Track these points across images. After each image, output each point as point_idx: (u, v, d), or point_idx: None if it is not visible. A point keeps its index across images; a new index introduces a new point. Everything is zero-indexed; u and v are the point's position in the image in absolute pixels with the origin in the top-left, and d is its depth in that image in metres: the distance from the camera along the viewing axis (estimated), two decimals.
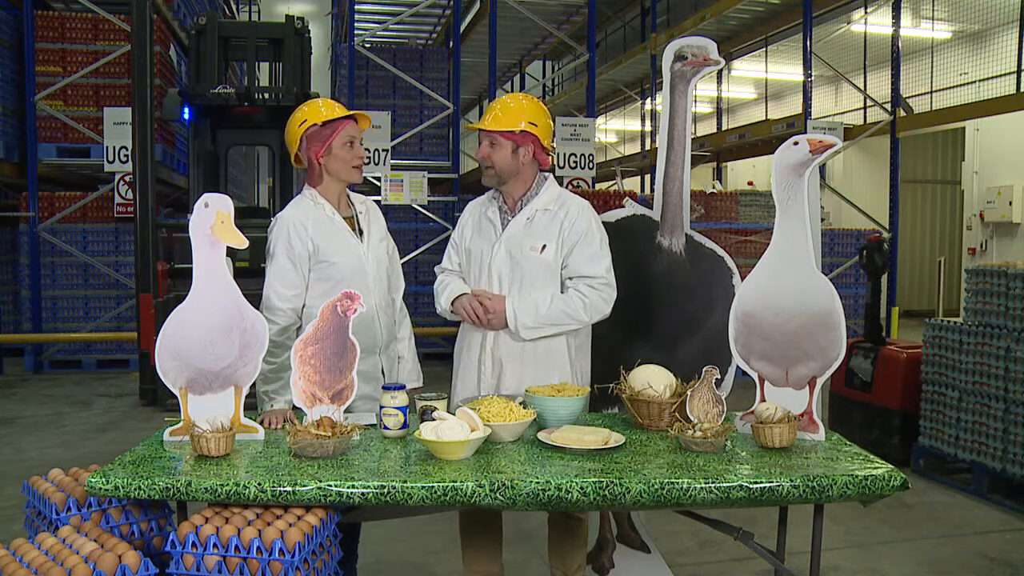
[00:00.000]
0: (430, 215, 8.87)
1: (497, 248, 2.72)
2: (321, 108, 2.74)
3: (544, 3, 10.93)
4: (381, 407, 2.35)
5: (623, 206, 3.22)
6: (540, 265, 2.70)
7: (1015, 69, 9.59)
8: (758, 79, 15.53)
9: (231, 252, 2.30)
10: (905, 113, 9.76)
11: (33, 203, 8.22)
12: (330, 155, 2.71)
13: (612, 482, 1.97)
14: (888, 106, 9.58)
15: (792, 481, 1.99)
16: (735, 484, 1.97)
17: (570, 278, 2.70)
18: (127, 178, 8.03)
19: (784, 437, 2.22)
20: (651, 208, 3.11)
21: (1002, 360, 4.35)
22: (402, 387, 2.36)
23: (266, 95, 6.75)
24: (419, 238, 8.91)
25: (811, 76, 9.39)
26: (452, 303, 2.74)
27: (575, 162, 8.87)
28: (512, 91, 15.67)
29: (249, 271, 6.01)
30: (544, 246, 2.70)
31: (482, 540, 2.81)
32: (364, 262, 2.76)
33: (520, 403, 2.42)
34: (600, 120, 19.02)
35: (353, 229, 2.79)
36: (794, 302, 2.33)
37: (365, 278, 2.74)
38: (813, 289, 2.32)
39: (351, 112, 2.74)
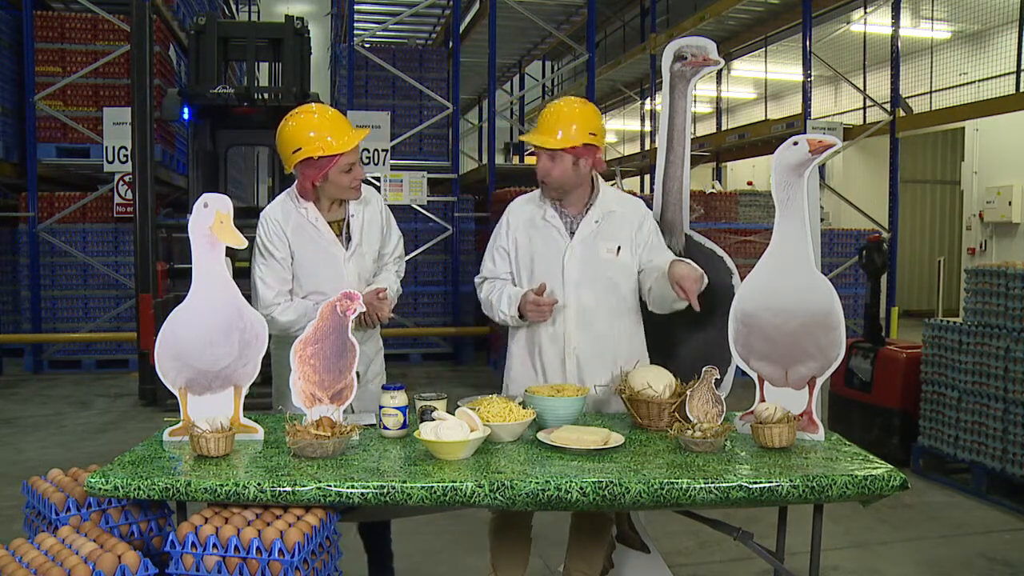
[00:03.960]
0: (430, 215, 8.87)
1: (569, 252, 2.69)
2: (319, 137, 2.54)
3: (544, 3, 10.92)
4: (381, 407, 2.35)
5: None
6: (616, 267, 2.70)
7: (1015, 69, 9.58)
8: (758, 79, 15.53)
9: (231, 252, 2.30)
10: (905, 113, 9.76)
11: (33, 203, 8.21)
12: (327, 181, 2.62)
13: (611, 482, 1.97)
14: (888, 106, 9.58)
15: (792, 481, 1.99)
16: (735, 484, 1.97)
17: (655, 271, 2.69)
18: (127, 178, 8.03)
19: (784, 437, 2.22)
20: (651, 208, 3.11)
21: (1001, 360, 4.35)
22: (402, 387, 2.36)
23: (266, 95, 6.75)
24: (419, 238, 8.90)
25: (811, 76, 9.39)
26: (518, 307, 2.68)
27: None
28: (512, 91, 15.67)
29: (249, 271, 6.02)
30: (619, 247, 2.69)
31: (512, 545, 2.77)
32: (342, 271, 2.72)
33: (520, 403, 2.42)
34: None
35: (339, 234, 2.74)
36: (794, 302, 2.33)
37: (340, 287, 2.63)
38: (813, 289, 2.32)
39: (352, 144, 2.57)
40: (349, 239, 2.74)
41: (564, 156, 2.61)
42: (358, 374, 2.73)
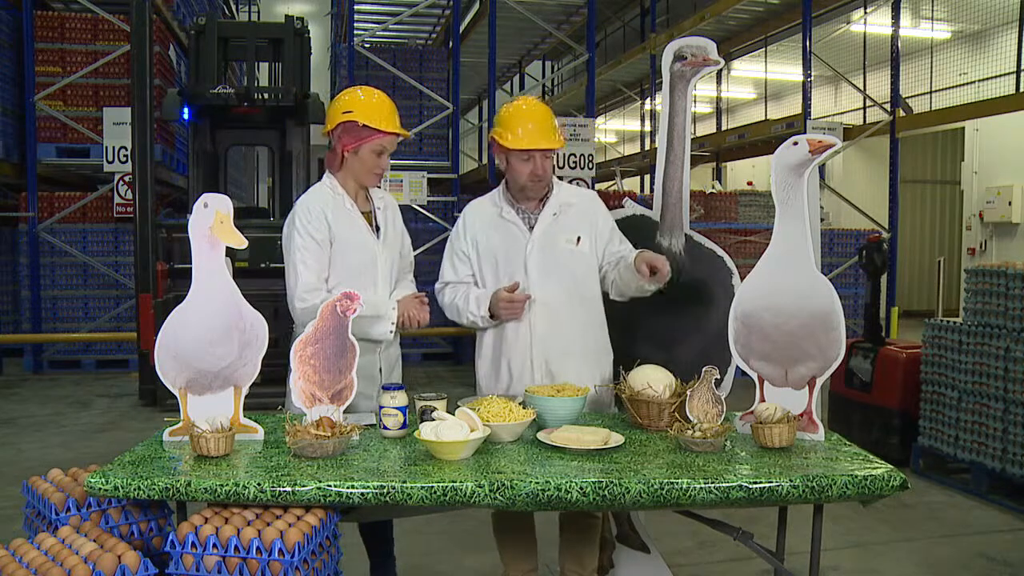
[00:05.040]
0: (430, 215, 8.87)
1: (531, 247, 2.73)
2: (371, 109, 2.65)
3: (544, 3, 10.92)
4: (381, 407, 2.35)
5: (623, 206, 3.23)
6: (576, 257, 2.74)
7: (1015, 69, 9.58)
8: (758, 79, 15.52)
9: (231, 252, 2.30)
10: (905, 113, 9.76)
11: (33, 203, 8.22)
12: (356, 155, 2.68)
13: (611, 482, 1.97)
14: (888, 106, 9.58)
15: (792, 481, 1.99)
16: (735, 484, 1.97)
17: (618, 260, 2.76)
18: (127, 178, 8.03)
19: (784, 437, 2.22)
20: (651, 208, 3.11)
21: (1001, 360, 4.35)
22: (402, 387, 2.37)
23: (265, 95, 6.75)
24: (418, 238, 8.84)
25: (811, 76, 9.39)
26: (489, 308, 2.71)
27: (575, 162, 8.86)
28: (512, 91, 15.67)
29: (249, 271, 6.04)
30: (579, 238, 2.74)
31: (518, 539, 2.79)
32: (377, 258, 2.75)
33: (520, 403, 2.42)
34: (600, 120, 19.03)
35: (370, 224, 2.77)
36: (794, 302, 2.33)
37: (375, 275, 2.74)
38: (813, 289, 2.32)
39: (396, 131, 2.67)
40: (378, 228, 2.79)
41: (551, 154, 2.71)
42: (381, 370, 2.76)
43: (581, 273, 2.75)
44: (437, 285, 2.90)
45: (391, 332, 2.70)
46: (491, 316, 2.72)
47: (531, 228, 2.75)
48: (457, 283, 2.84)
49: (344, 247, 2.70)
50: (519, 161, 2.68)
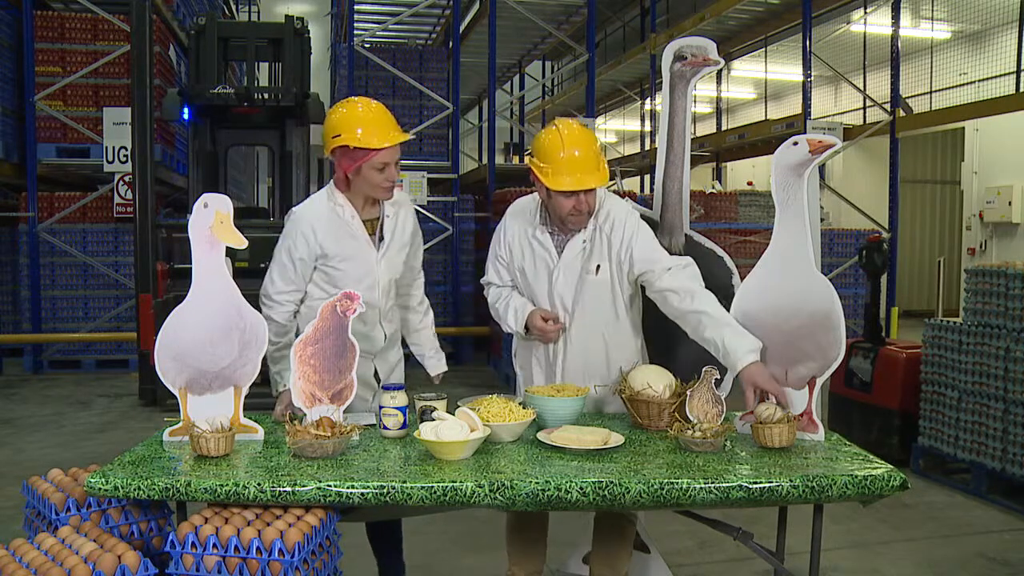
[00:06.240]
0: (430, 215, 8.87)
1: (557, 275, 2.68)
2: (361, 127, 2.51)
3: (544, 3, 10.91)
4: (381, 407, 2.35)
5: None
6: (598, 285, 2.67)
7: (1015, 69, 9.58)
8: (757, 79, 15.53)
9: (230, 252, 2.31)
10: (905, 113, 9.75)
11: (33, 203, 8.21)
12: (359, 175, 2.58)
13: (611, 482, 1.97)
14: (888, 106, 9.57)
15: (792, 481, 1.99)
16: (735, 484, 1.97)
17: (648, 278, 2.64)
18: (126, 178, 8.03)
19: (784, 437, 2.22)
20: (651, 208, 3.11)
21: (1001, 360, 4.35)
22: (402, 387, 2.37)
23: (265, 95, 6.75)
24: None
25: (811, 76, 9.39)
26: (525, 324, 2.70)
27: None
28: (512, 91, 15.66)
29: (249, 271, 6.01)
30: (599, 266, 2.67)
31: (528, 539, 2.78)
32: (375, 271, 2.70)
33: (520, 403, 2.42)
34: (600, 120, 19.01)
35: (372, 233, 2.71)
36: (794, 302, 2.33)
37: (374, 288, 2.68)
38: (812, 289, 2.32)
39: (392, 143, 2.54)
40: (382, 239, 2.72)
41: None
42: (377, 378, 2.77)
43: (603, 299, 2.69)
44: (483, 280, 2.91)
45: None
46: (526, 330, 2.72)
47: (560, 252, 2.68)
48: (501, 286, 2.83)
49: (337, 260, 2.66)
50: (561, 196, 2.56)
